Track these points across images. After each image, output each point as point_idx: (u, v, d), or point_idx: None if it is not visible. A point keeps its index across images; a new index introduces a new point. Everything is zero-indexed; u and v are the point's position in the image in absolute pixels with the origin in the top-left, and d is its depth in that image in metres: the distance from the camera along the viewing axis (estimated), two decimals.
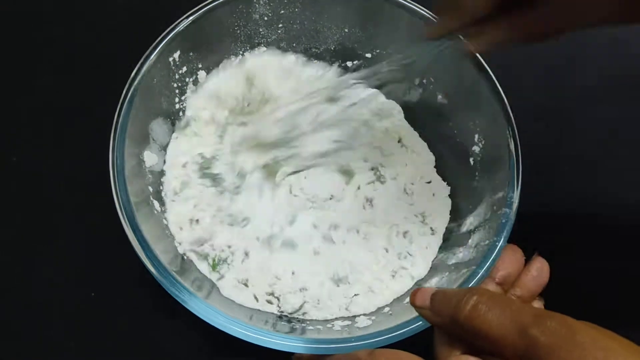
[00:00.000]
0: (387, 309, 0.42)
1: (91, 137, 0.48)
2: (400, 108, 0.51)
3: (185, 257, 0.42)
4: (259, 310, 0.42)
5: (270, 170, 0.46)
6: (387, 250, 0.45)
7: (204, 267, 0.43)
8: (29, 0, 0.55)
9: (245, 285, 0.43)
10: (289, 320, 0.42)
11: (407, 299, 0.42)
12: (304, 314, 0.42)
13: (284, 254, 0.44)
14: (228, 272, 0.43)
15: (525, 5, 0.33)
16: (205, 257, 0.43)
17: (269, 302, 0.43)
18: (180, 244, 0.43)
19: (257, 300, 0.42)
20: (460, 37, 0.39)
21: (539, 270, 0.38)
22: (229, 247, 0.44)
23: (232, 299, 0.42)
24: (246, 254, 0.44)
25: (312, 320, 0.42)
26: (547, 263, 0.39)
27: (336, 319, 0.42)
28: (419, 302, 0.32)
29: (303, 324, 0.41)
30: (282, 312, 0.42)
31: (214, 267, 0.43)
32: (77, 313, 0.44)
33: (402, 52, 0.43)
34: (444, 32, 0.39)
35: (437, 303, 0.31)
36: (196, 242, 0.44)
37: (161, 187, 0.45)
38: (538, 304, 0.39)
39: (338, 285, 0.44)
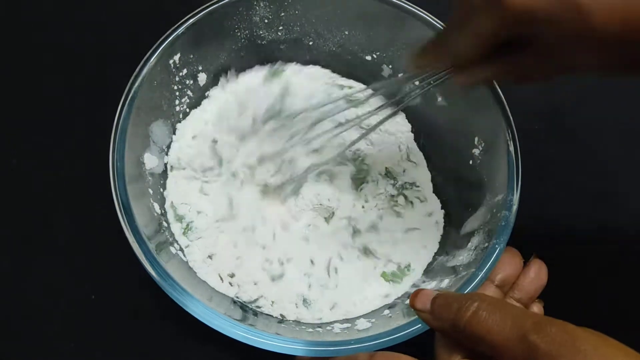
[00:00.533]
0: (387, 311, 0.42)
1: (91, 140, 0.48)
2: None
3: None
4: (223, 294, 0.42)
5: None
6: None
7: (176, 228, 0.44)
8: (30, 3, 0.55)
9: (210, 258, 0.44)
10: (243, 309, 0.42)
11: (407, 301, 0.42)
12: (258, 307, 0.42)
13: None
14: (197, 241, 0.44)
15: (514, 50, 0.31)
16: (180, 219, 0.44)
17: (231, 284, 0.43)
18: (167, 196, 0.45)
19: (221, 280, 0.43)
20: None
21: (537, 272, 0.39)
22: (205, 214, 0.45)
23: (198, 274, 0.43)
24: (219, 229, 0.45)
25: (265, 314, 0.42)
26: (545, 265, 0.39)
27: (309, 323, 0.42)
28: (419, 305, 0.32)
29: (255, 316, 0.41)
30: (238, 297, 0.43)
31: (185, 231, 0.44)
32: (78, 315, 0.44)
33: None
34: (426, 67, 0.38)
35: (437, 307, 0.31)
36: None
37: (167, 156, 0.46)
38: (537, 307, 0.39)
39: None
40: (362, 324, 0.41)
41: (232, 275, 0.43)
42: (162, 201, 0.44)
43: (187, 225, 0.44)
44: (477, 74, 0.34)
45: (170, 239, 0.43)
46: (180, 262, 0.42)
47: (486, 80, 0.37)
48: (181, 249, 0.43)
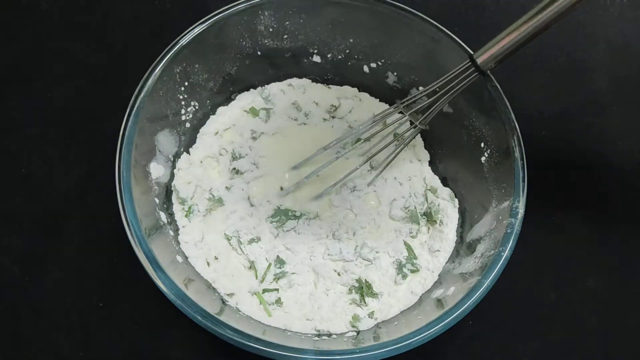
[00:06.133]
0: (395, 322, 0.42)
1: (98, 149, 0.49)
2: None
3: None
4: (209, 284, 0.43)
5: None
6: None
7: (178, 209, 0.45)
8: (37, 15, 0.56)
9: (200, 241, 0.44)
10: (223, 302, 0.42)
11: (416, 311, 0.42)
12: (237, 303, 0.43)
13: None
14: (193, 219, 0.45)
15: None
16: (183, 202, 0.45)
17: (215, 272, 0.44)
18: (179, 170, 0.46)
19: (208, 265, 0.44)
20: None
21: None
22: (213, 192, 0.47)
23: (189, 258, 0.43)
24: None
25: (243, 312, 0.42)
26: None
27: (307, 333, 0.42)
28: None
29: (238, 315, 0.41)
30: (216, 290, 0.43)
31: (187, 214, 0.45)
32: (85, 323, 0.45)
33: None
34: None
35: None
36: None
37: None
38: None
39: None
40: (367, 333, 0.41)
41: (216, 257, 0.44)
42: (167, 209, 0.44)
43: (190, 207, 0.45)
44: None
45: (177, 248, 0.43)
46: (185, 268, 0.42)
47: None
48: (186, 257, 0.43)
